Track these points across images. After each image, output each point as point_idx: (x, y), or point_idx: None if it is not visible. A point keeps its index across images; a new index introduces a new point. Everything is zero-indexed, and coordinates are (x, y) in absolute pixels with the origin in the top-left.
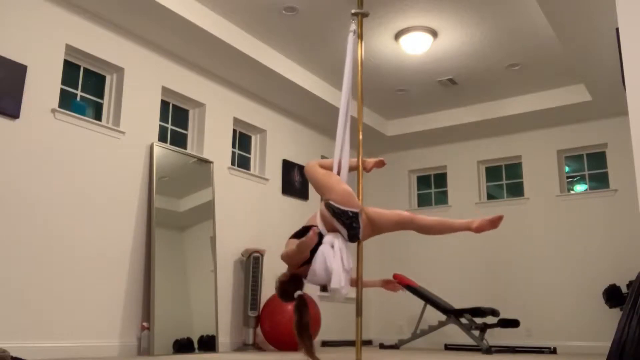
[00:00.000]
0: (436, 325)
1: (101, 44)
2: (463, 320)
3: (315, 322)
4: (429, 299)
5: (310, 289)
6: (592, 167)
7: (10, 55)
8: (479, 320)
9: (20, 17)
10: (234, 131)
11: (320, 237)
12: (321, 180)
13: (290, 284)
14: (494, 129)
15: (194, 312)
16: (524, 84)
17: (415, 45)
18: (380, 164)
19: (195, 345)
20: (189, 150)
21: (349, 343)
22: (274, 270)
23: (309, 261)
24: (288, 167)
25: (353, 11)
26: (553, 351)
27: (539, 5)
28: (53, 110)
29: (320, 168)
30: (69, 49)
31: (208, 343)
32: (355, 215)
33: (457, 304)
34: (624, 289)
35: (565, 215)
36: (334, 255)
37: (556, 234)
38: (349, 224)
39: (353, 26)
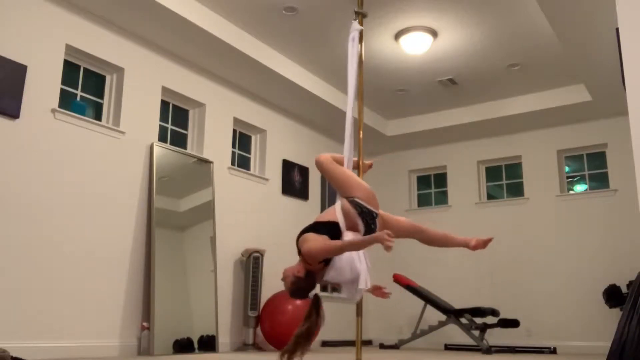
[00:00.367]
0: (436, 325)
1: (101, 44)
2: (463, 320)
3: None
4: (429, 299)
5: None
6: (592, 167)
7: (10, 55)
8: (479, 320)
9: (20, 17)
10: (234, 131)
11: (338, 232)
12: (341, 175)
13: (307, 282)
14: (494, 129)
15: (194, 312)
16: (524, 84)
17: (415, 45)
18: (369, 167)
19: (195, 345)
20: (189, 150)
21: (349, 343)
22: (274, 270)
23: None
24: (288, 167)
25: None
26: (553, 351)
27: (539, 5)
28: (53, 110)
29: (336, 163)
30: (69, 49)
31: (208, 343)
32: (376, 217)
33: (457, 304)
34: (624, 289)
35: (565, 215)
36: (358, 255)
37: (556, 234)
38: (369, 224)
39: (357, 25)
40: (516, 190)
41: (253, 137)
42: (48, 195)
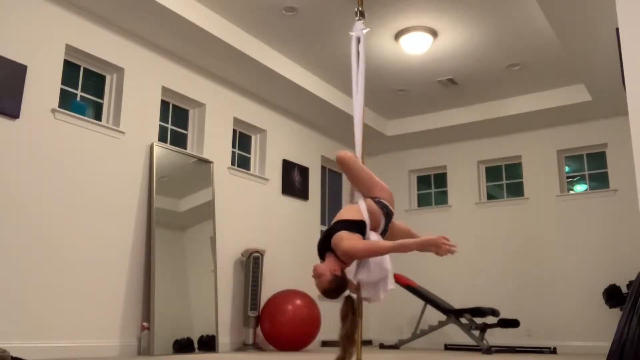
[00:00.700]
0: (436, 325)
1: (101, 44)
2: (463, 320)
3: (315, 323)
4: (429, 299)
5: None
6: (592, 167)
7: (10, 55)
8: (479, 320)
9: (20, 17)
10: (234, 131)
11: (364, 232)
12: (367, 175)
13: (344, 281)
14: (494, 129)
15: (194, 312)
16: (524, 84)
17: (415, 45)
18: None
19: (195, 345)
20: (189, 150)
21: None
22: (274, 270)
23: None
24: (288, 167)
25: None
26: (553, 351)
27: (539, 5)
28: (53, 110)
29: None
30: (69, 49)
31: (208, 343)
32: (392, 218)
33: (457, 304)
34: (624, 289)
35: (565, 215)
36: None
37: (556, 234)
38: (387, 225)
39: (362, 25)
40: (516, 190)
41: (253, 137)
42: (48, 195)
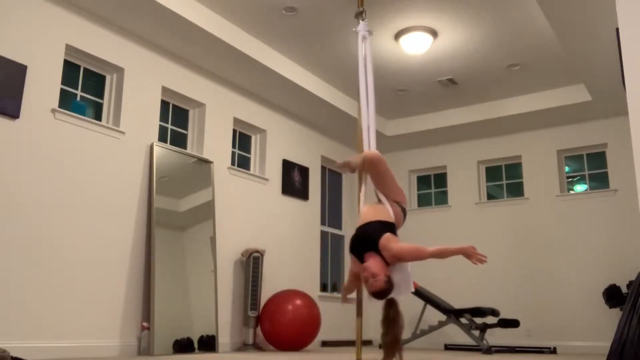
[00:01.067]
0: (436, 325)
1: (101, 44)
2: (463, 320)
3: (315, 323)
4: (429, 299)
5: (309, 289)
6: (592, 167)
7: (10, 55)
8: (479, 320)
9: (20, 17)
10: (234, 131)
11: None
12: (393, 178)
13: (392, 282)
14: (494, 129)
15: (194, 312)
16: (524, 84)
17: (415, 45)
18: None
19: (195, 345)
20: (189, 150)
21: (349, 343)
22: (274, 270)
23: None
24: (288, 167)
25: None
26: (553, 351)
27: (539, 5)
28: (53, 110)
29: None
30: (69, 49)
31: (208, 343)
32: None
33: (457, 304)
34: (624, 289)
35: (565, 215)
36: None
37: (556, 234)
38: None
39: (366, 26)
40: (516, 190)
41: (253, 137)
42: (48, 195)
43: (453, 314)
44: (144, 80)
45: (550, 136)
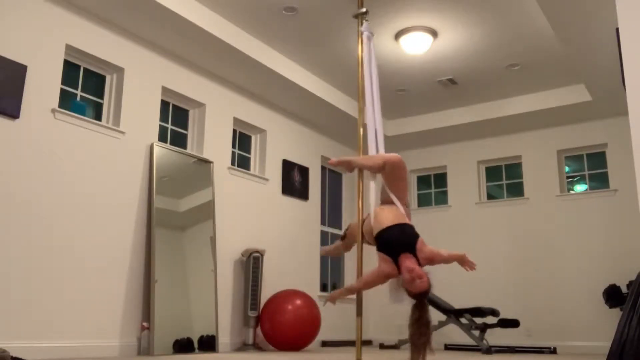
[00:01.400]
0: (436, 325)
1: (101, 44)
2: (463, 320)
3: (315, 323)
4: (429, 299)
5: (309, 289)
6: (592, 167)
7: (10, 55)
8: (479, 320)
9: (20, 17)
10: (234, 131)
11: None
12: (406, 183)
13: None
14: (494, 129)
15: (194, 312)
16: (524, 84)
17: (415, 45)
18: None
19: (195, 345)
20: (189, 150)
21: (349, 343)
22: (274, 270)
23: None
24: (288, 167)
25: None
26: (553, 351)
27: (539, 5)
28: (53, 110)
29: None
30: (69, 49)
31: (208, 343)
32: None
33: (457, 304)
34: (624, 289)
35: (565, 215)
36: None
37: (556, 234)
38: None
39: (368, 27)
40: (516, 190)
41: (253, 137)
42: (48, 195)
43: (453, 314)
44: (144, 80)
45: (550, 136)
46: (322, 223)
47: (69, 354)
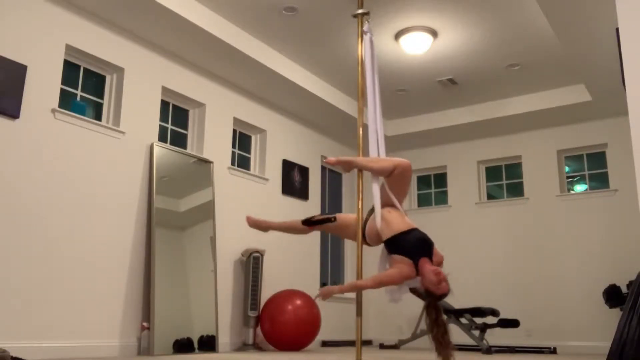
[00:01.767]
0: None
1: (101, 44)
2: (463, 320)
3: (315, 323)
4: None
5: (309, 290)
6: (592, 167)
7: (10, 55)
8: (479, 320)
9: (20, 17)
10: (234, 131)
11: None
12: (408, 189)
13: None
14: (494, 129)
15: (194, 312)
16: (524, 84)
17: (415, 45)
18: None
19: (195, 345)
20: (189, 150)
21: (349, 343)
22: (274, 270)
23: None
24: (288, 167)
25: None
26: (553, 351)
27: (539, 6)
28: (53, 110)
29: None
30: (69, 49)
31: (208, 343)
32: None
33: (457, 304)
34: (624, 289)
35: (565, 215)
36: None
37: (556, 234)
38: None
39: (369, 27)
40: (516, 190)
41: (253, 137)
42: (48, 195)
43: (453, 314)
44: (144, 80)
45: (550, 136)
46: None
47: (69, 354)
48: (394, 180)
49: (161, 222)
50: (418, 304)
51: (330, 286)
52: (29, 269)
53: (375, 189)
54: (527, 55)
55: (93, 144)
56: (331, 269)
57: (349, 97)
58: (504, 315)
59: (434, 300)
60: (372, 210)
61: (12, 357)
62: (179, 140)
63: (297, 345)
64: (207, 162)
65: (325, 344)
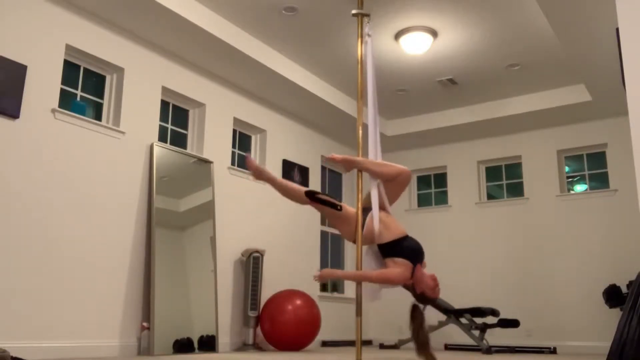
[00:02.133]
0: (436, 325)
1: (101, 44)
2: (463, 320)
3: (315, 323)
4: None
5: (309, 289)
6: (592, 167)
7: (10, 55)
8: (479, 320)
9: (20, 17)
10: (234, 131)
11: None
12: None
13: None
14: (494, 129)
15: (194, 312)
16: (524, 84)
17: (415, 45)
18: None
19: (195, 345)
20: (189, 150)
21: (349, 343)
22: (274, 270)
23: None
24: (288, 167)
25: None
26: (553, 351)
27: (539, 6)
28: (53, 110)
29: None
30: (69, 49)
31: (208, 343)
32: None
33: (457, 304)
34: (624, 289)
35: (565, 215)
36: None
37: (556, 234)
38: None
39: (368, 29)
40: (516, 190)
41: (253, 137)
42: (48, 195)
43: (453, 314)
44: (144, 80)
45: (550, 136)
46: (322, 223)
47: (69, 354)
48: (393, 185)
49: (161, 222)
50: None
51: (331, 269)
52: (29, 269)
53: (374, 192)
54: (527, 55)
55: (93, 144)
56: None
57: (349, 97)
58: (504, 315)
59: (425, 304)
60: (365, 210)
61: (12, 357)
62: (179, 140)
63: (297, 345)
64: (207, 162)
65: (325, 344)
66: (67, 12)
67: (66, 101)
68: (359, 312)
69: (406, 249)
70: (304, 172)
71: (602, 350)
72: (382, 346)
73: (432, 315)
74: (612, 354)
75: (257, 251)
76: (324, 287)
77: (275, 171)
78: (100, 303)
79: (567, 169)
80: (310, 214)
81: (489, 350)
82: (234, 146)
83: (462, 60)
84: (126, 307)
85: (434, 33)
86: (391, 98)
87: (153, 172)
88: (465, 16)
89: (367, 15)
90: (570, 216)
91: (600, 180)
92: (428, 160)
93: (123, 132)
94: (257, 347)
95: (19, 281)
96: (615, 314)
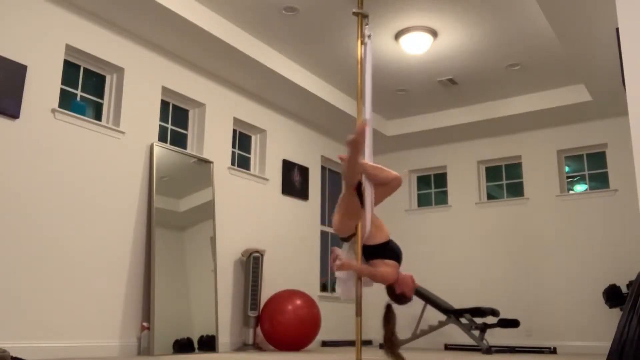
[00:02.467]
0: (436, 325)
1: (101, 44)
2: (463, 320)
3: (315, 323)
4: (429, 299)
5: (309, 289)
6: (592, 167)
7: (10, 55)
8: (479, 320)
9: (20, 17)
10: (234, 131)
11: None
12: None
13: None
14: (494, 129)
15: (194, 312)
16: (524, 84)
17: (415, 45)
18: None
19: (195, 345)
20: (189, 150)
21: (349, 343)
22: (274, 270)
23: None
24: (288, 167)
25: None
26: (553, 351)
27: (539, 6)
28: (53, 110)
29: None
30: (69, 49)
31: (208, 343)
32: None
33: (457, 304)
34: (624, 289)
35: (565, 215)
36: None
37: (556, 234)
38: None
39: (368, 31)
40: (516, 190)
41: (253, 137)
42: (48, 195)
43: (453, 314)
44: (144, 80)
45: (550, 136)
46: (322, 223)
47: (69, 354)
48: (384, 189)
49: (161, 222)
50: (418, 304)
51: (351, 260)
52: (29, 269)
53: (369, 195)
54: (527, 55)
55: (93, 144)
56: (331, 269)
57: (349, 97)
58: (504, 315)
59: (401, 304)
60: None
61: (12, 357)
62: (179, 140)
63: (297, 345)
64: (207, 162)
65: (325, 344)
66: (67, 12)
67: (66, 101)
68: (359, 312)
69: (392, 252)
70: (304, 172)
71: (602, 350)
72: (382, 346)
73: (432, 315)
74: (612, 354)
75: (257, 251)
76: (324, 287)
77: (275, 171)
78: (100, 303)
79: (567, 169)
80: (310, 214)
81: (489, 350)
82: (234, 146)
83: (462, 60)
84: (126, 307)
85: (434, 33)
86: (391, 98)
87: (153, 172)
88: (465, 16)
89: (366, 15)
90: (570, 216)
91: (600, 180)
92: (428, 160)
93: (123, 132)
94: (257, 347)
95: (19, 281)
96: (615, 314)
